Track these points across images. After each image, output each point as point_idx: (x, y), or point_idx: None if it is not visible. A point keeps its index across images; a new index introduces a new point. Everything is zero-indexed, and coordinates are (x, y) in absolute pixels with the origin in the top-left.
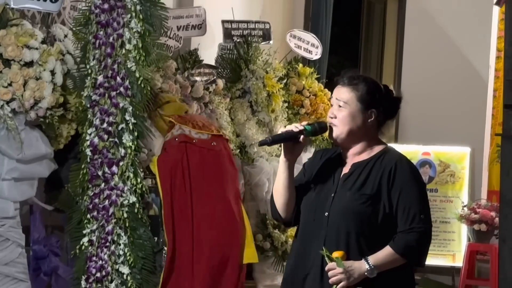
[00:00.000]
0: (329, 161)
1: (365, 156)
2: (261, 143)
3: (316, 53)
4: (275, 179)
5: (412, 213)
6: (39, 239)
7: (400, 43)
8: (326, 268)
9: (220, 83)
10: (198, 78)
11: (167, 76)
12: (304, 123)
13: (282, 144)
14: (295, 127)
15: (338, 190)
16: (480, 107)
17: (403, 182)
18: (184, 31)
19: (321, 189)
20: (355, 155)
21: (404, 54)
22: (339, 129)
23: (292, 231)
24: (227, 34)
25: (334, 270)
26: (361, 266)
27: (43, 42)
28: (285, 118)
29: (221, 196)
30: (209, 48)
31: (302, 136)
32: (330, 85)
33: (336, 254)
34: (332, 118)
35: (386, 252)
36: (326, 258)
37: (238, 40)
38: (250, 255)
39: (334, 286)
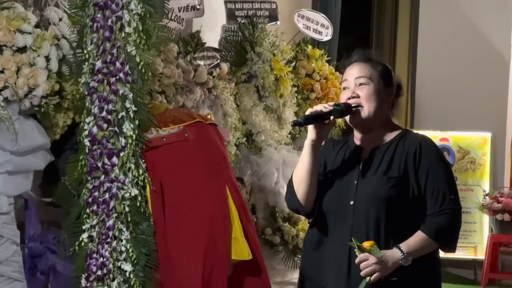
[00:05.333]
0: (344, 150)
1: (384, 139)
2: (295, 123)
3: (326, 34)
4: (296, 166)
5: (441, 194)
6: (34, 235)
7: (415, 23)
8: (357, 260)
9: (225, 67)
10: (201, 62)
11: (168, 61)
12: (331, 103)
13: (309, 126)
14: (324, 107)
15: (361, 176)
16: (501, 90)
17: (429, 162)
18: (184, 12)
19: (341, 178)
20: (374, 139)
21: (419, 34)
22: (367, 108)
23: (303, 224)
24: (231, 15)
25: (367, 261)
26: (394, 254)
27: (36, 26)
28: (294, 103)
29: (198, 189)
30: (212, 30)
31: (331, 117)
32: (342, 68)
33: (367, 244)
34: (353, 98)
35: (417, 237)
36: (356, 250)
37: (243, 21)
38: (238, 251)
39: (367, 278)
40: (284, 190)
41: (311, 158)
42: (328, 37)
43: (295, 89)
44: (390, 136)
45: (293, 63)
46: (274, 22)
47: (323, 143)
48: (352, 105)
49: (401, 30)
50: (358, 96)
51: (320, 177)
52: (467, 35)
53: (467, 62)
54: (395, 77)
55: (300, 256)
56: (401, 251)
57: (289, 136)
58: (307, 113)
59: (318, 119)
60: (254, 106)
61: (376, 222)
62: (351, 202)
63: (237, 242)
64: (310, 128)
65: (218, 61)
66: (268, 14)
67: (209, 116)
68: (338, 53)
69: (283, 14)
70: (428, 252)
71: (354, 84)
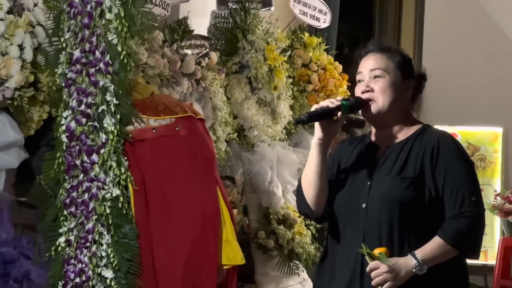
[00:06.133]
0: (359, 148)
1: (401, 136)
2: (297, 121)
3: (324, 21)
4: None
5: (461, 196)
6: (7, 240)
7: (421, 9)
8: (368, 269)
9: (214, 56)
10: (188, 51)
11: (152, 50)
12: (340, 98)
13: (315, 123)
14: (331, 102)
15: (374, 177)
16: None
17: (448, 160)
18: None
19: (354, 179)
20: (390, 136)
21: (426, 22)
22: (380, 102)
23: (299, 226)
24: (221, 0)
25: (378, 269)
26: (408, 262)
27: (9, 12)
28: (289, 96)
29: (187, 188)
30: (200, 17)
31: (339, 113)
32: (341, 57)
33: (377, 251)
34: (367, 92)
35: (434, 243)
36: (367, 257)
37: (234, 7)
38: (231, 255)
39: None
40: (278, 190)
41: (319, 158)
42: (327, 24)
43: (291, 80)
44: (408, 133)
45: (289, 52)
46: (268, 8)
47: (339, 142)
48: (364, 99)
49: (405, 16)
50: (372, 90)
51: (333, 178)
52: (478, 22)
53: (477, 51)
54: (417, 67)
55: (296, 261)
56: (416, 258)
57: (284, 131)
58: (312, 109)
59: (324, 116)
60: (246, 99)
61: (389, 227)
62: (363, 205)
63: (229, 245)
64: (317, 126)
65: (207, 50)
66: None
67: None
68: (338, 41)
69: None
70: (447, 259)
71: (369, 76)
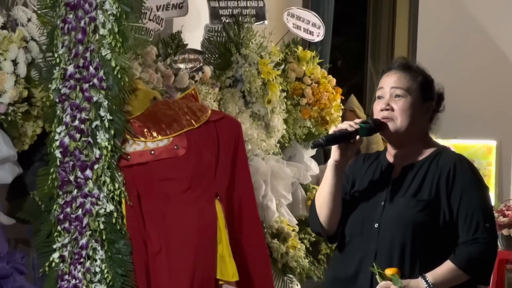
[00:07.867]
0: (374, 166)
1: (417, 157)
2: (315, 145)
3: (318, 34)
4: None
5: (475, 221)
6: (1, 255)
7: (414, 21)
8: None
9: (208, 70)
10: (182, 66)
11: (146, 64)
12: (358, 121)
13: (333, 145)
14: (350, 125)
15: (389, 197)
16: (508, 95)
17: (464, 185)
18: (164, 11)
19: (368, 198)
20: (406, 156)
21: (419, 34)
22: (400, 122)
23: (293, 240)
24: (214, 14)
25: None
26: (419, 285)
27: (3, 27)
28: (283, 109)
29: (184, 205)
30: (194, 31)
31: (358, 136)
32: (334, 71)
33: (389, 272)
34: (387, 110)
35: (446, 267)
36: (377, 277)
37: (227, 21)
38: (223, 270)
39: None
40: (272, 204)
41: (334, 180)
42: (320, 38)
43: (284, 94)
44: (424, 154)
45: (282, 66)
46: (262, 22)
47: (353, 159)
48: (382, 121)
49: (399, 31)
50: (392, 109)
51: (346, 196)
52: (471, 35)
53: (470, 64)
54: (436, 88)
55: (290, 275)
56: (426, 281)
57: (278, 145)
58: (330, 132)
59: (342, 139)
60: (239, 112)
61: (401, 248)
62: (376, 225)
63: (223, 261)
64: (334, 148)
65: (201, 64)
66: (255, 12)
67: (199, 99)
68: (331, 54)
69: (271, 13)
70: (458, 283)
71: (390, 94)
